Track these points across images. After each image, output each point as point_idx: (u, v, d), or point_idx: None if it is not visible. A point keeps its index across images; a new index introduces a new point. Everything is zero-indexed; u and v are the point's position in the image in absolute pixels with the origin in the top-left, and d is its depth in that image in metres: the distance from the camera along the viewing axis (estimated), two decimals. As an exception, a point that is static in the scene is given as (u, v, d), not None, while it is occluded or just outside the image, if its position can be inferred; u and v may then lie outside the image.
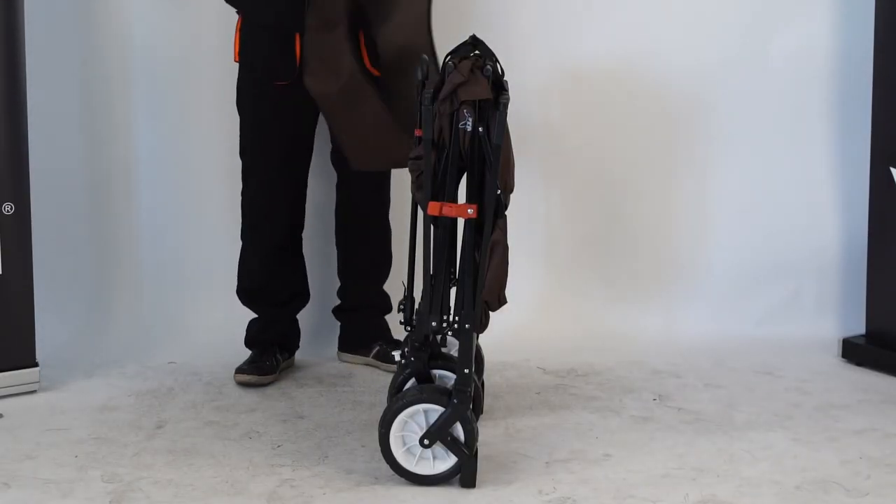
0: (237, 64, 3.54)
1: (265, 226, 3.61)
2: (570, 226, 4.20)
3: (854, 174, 4.07)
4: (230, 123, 3.84)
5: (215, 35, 3.98)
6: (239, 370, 3.58)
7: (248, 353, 3.66)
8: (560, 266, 4.19)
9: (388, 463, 2.82)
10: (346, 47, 3.30)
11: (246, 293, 3.70)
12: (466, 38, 2.94)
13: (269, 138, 3.53)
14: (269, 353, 3.62)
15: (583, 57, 4.11)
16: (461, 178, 2.83)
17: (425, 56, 2.99)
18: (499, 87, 2.82)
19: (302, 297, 3.75)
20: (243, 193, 3.63)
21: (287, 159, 3.56)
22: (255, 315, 3.72)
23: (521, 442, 3.12)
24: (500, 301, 2.86)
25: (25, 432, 3.17)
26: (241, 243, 3.67)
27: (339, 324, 3.84)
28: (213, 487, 2.82)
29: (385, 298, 3.79)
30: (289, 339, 3.73)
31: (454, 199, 2.81)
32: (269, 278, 3.65)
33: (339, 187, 3.73)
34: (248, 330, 3.71)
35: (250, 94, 3.53)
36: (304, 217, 3.71)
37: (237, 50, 3.51)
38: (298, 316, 3.76)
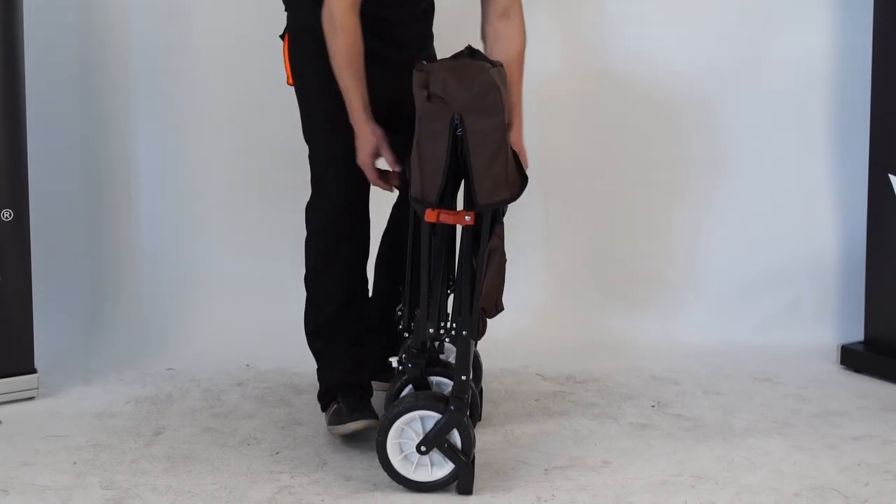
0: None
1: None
2: (568, 232, 4.21)
3: (852, 181, 4.08)
4: (229, 131, 3.87)
5: (216, 42, 4.00)
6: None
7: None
8: (558, 273, 4.19)
9: (385, 470, 2.82)
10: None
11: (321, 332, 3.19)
12: (462, 47, 2.94)
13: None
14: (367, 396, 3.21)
15: (582, 65, 4.11)
16: (459, 185, 2.83)
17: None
18: None
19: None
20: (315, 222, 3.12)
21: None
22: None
23: (519, 449, 3.12)
24: (497, 308, 2.85)
25: (24, 439, 3.17)
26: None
27: None
28: (211, 494, 2.82)
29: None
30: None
31: (452, 207, 2.81)
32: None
33: (399, 206, 3.27)
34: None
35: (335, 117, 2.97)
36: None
37: (290, 73, 3.06)
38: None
